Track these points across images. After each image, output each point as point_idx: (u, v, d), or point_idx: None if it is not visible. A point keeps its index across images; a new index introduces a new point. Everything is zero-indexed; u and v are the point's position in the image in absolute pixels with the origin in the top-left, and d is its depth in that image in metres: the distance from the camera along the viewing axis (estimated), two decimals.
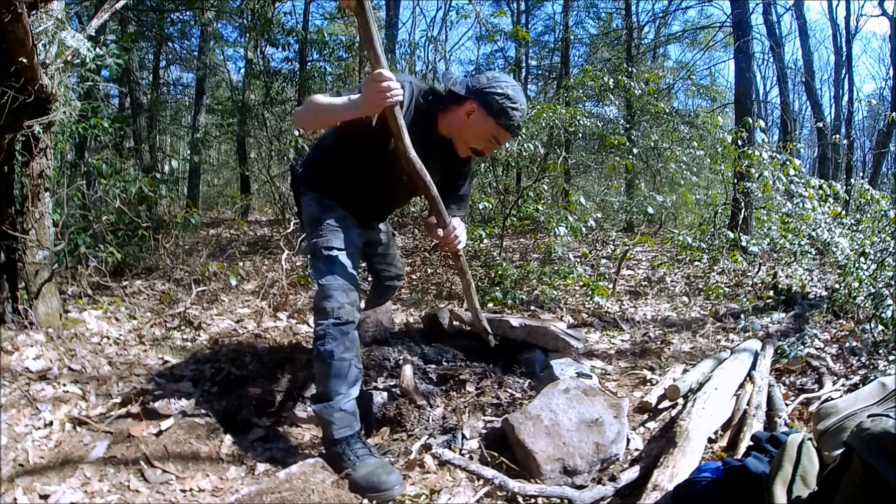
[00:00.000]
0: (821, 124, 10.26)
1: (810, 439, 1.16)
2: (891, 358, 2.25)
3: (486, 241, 4.55)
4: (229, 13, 8.01)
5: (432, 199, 1.71)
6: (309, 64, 7.88)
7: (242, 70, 9.62)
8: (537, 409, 1.68)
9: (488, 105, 1.66)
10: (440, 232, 1.77)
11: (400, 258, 2.39)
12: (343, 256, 1.73)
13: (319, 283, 1.68)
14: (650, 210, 4.88)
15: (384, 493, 1.45)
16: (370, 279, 2.41)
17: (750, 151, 4.43)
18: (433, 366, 2.14)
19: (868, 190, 4.51)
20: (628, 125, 6.22)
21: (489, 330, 2.15)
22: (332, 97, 1.65)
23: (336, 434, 1.58)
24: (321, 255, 1.72)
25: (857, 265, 3.25)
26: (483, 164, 4.90)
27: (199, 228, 4.78)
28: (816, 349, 2.50)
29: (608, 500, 1.44)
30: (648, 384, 2.24)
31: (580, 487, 1.49)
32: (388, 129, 1.58)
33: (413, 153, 1.60)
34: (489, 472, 1.47)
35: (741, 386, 2.00)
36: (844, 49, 12.74)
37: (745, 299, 3.58)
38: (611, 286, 3.89)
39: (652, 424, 1.87)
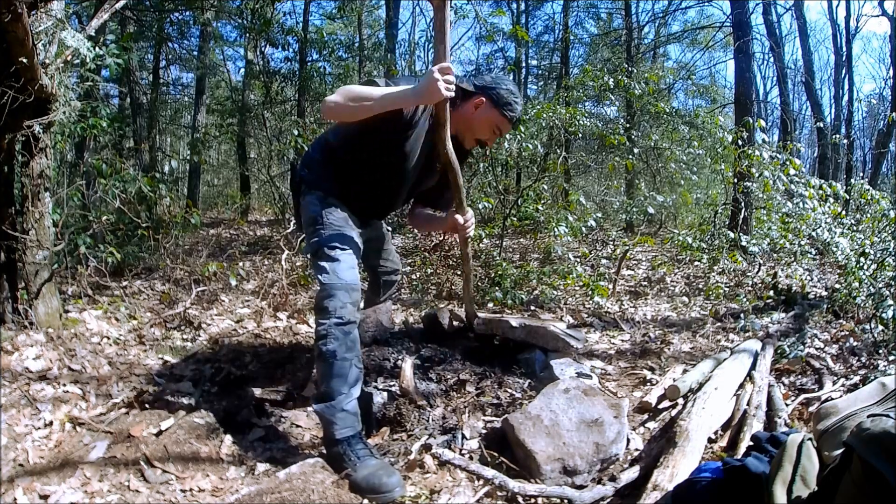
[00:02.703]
0: (821, 124, 10.26)
1: (810, 439, 1.16)
2: (891, 358, 2.24)
3: (486, 241, 4.56)
4: (229, 13, 8.00)
5: (459, 186, 1.86)
6: (308, 64, 7.89)
7: (242, 70, 9.63)
8: (537, 409, 1.68)
9: (496, 97, 1.83)
10: (459, 218, 1.92)
11: (396, 254, 2.40)
12: (345, 256, 1.73)
13: (322, 283, 1.68)
14: (650, 210, 4.88)
15: (384, 495, 1.45)
16: (367, 278, 2.41)
17: (750, 151, 4.43)
18: (433, 366, 2.14)
19: (868, 190, 4.51)
20: (628, 125, 6.22)
21: (476, 315, 2.29)
22: (375, 88, 1.67)
23: (337, 434, 1.58)
24: (323, 254, 1.73)
25: (857, 265, 3.25)
26: (483, 164, 4.90)
27: (198, 228, 4.78)
28: (816, 349, 2.50)
29: (608, 500, 1.44)
30: (648, 384, 2.23)
31: (580, 487, 1.49)
32: (407, 124, 1.75)
33: (450, 143, 1.74)
34: (489, 472, 1.46)
35: (741, 386, 2.00)
36: (844, 49, 12.76)
37: (745, 299, 3.58)
38: (611, 286, 3.89)
39: (652, 424, 1.87)
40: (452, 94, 1.60)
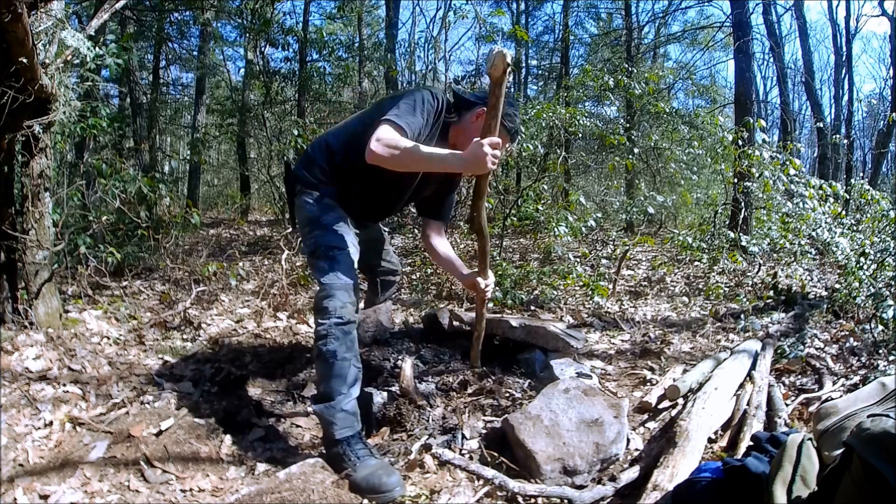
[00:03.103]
0: (821, 124, 10.27)
1: (810, 439, 1.16)
2: (891, 358, 2.24)
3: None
4: (229, 13, 8.00)
5: (485, 252, 1.88)
6: (308, 64, 7.89)
7: (242, 70, 9.64)
8: (537, 409, 1.68)
9: None
10: (481, 282, 1.91)
11: (395, 254, 2.40)
12: (344, 255, 1.73)
13: (321, 282, 1.68)
14: (650, 210, 4.88)
15: (384, 495, 1.45)
16: (367, 279, 2.41)
17: (750, 151, 4.43)
18: (433, 366, 2.14)
19: (868, 190, 4.51)
20: (628, 125, 6.22)
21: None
22: (426, 148, 1.62)
23: (337, 434, 1.58)
24: (322, 254, 1.72)
25: (857, 265, 3.25)
26: None
27: (198, 228, 4.77)
28: (816, 349, 2.50)
29: (608, 500, 1.44)
30: (648, 384, 2.23)
31: (580, 487, 1.49)
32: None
33: (484, 212, 1.75)
34: (489, 472, 1.46)
35: (741, 386, 2.00)
36: (844, 49, 12.76)
37: (745, 299, 3.58)
38: (611, 286, 3.89)
39: (652, 424, 1.87)
40: (496, 166, 1.59)
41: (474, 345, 2.08)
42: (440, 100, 1.81)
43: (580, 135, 4.95)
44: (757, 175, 4.52)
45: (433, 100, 1.78)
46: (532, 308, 3.36)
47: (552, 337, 2.20)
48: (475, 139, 1.53)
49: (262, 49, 7.75)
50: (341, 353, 1.61)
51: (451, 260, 2.05)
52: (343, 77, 8.02)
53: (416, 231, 5.22)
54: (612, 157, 5.83)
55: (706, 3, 11.56)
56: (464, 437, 1.76)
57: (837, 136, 9.94)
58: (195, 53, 9.42)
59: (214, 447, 1.72)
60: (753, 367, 2.14)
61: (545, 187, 4.69)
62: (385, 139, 1.59)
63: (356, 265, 1.80)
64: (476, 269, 1.95)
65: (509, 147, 2.04)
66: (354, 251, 1.80)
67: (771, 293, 3.54)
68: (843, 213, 4.56)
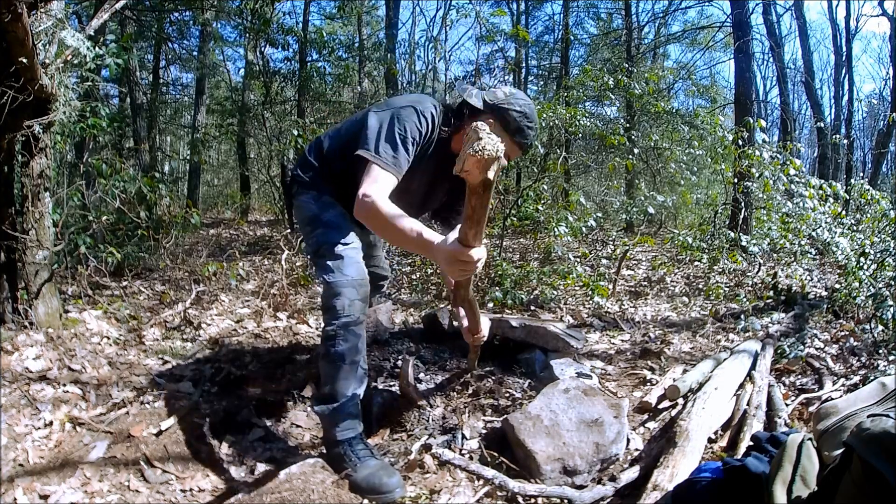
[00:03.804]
0: (821, 124, 10.28)
1: (810, 439, 1.16)
2: (891, 358, 2.24)
3: (486, 241, 4.55)
4: (228, 13, 8.00)
5: (474, 313, 1.81)
6: (308, 64, 7.89)
7: (242, 70, 9.64)
8: (537, 409, 1.68)
9: (506, 122, 1.67)
10: (472, 336, 1.89)
11: (386, 260, 2.36)
12: (349, 251, 1.67)
13: (327, 281, 1.62)
14: (650, 210, 4.88)
15: (385, 495, 1.45)
16: None
17: (750, 151, 4.43)
18: (433, 366, 2.14)
19: (868, 190, 4.51)
20: (628, 125, 6.22)
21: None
22: (410, 226, 1.47)
23: (339, 436, 1.57)
24: (326, 252, 1.67)
25: (857, 265, 3.25)
26: None
27: (198, 228, 4.78)
28: (816, 349, 2.50)
29: (608, 500, 1.44)
30: (648, 384, 2.23)
31: (580, 487, 1.49)
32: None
33: (470, 290, 1.65)
34: (489, 472, 1.46)
35: (741, 386, 2.00)
36: (844, 49, 12.76)
37: (745, 299, 3.58)
38: (611, 286, 3.89)
39: (652, 424, 1.87)
40: (472, 275, 1.47)
41: (471, 362, 2.08)
42: (430, 118, 1.67)
43: (580, 135, 4.96)
44: (757, 175, 4.52)
45: (422, 123, 1.64)
46: (532, 308, 3.36)
47: (552, 337, 2.20)
48: (457, 248, 1.33)
49: (262, 49, 7.76)
50: (350, 357, 1.58)
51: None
52: (343, 77, 8.03)
53: None
54: (612, 157, 5.83)
55: (706, 3, 11.58)
56: (464, 437, 1.76)
57: (837, 136, 9.94)
58: (195, 53, 9.42)
59: (214, 447, 1.72)
60: (753, 367, 2.14)
61: (545, 187, 4.69)
62: (372, 199, 1.49)
63: (362, 260, 1.74)
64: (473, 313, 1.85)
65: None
66: (358, 246, 1.74)
67: (771, 293, 3.54)
68: (843, 213, 4.56)
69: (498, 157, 1.05)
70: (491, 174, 1.05)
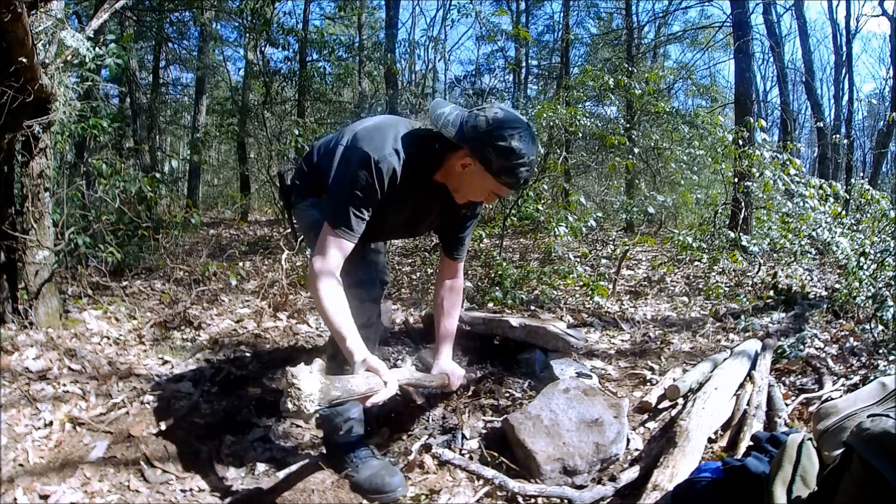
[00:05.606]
0: (821, 124, 10.28)
1: (810, 439, 1.16)
2: (891, 358, 2.24)
3: (486, 240, 4.55)
4: (228, 13, 8.00)
5: (420, 384, 1.67)
6: (308, 64, 7.89)
7: (242, 70, 9.65)
8: (537, 409, 1.68)
9: (486, 161, 1.37)
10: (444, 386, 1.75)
11: (387, 265, 2.34)
12: (354, 253, 1.62)
13: None
14: (650, 210, 4.88)
15: (387, 495, 1.45)
16: None
17: (750, 151, 4.43)
18: (433, 366, 2.13)
19: (868, 190, 4.51)
20: (628, 125, 6.22)
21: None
22: (341, 324, 1.41)
23: (340, 438, 1.57)
24: None
25: (857, 265, 3.24)
26: None
27: (199, 228, 4.77)
28: (816, 349, 2.50)
29: (608, 500, 1.44)
30: (648, 384, 2.23)
31: (580, 487, 1.49)
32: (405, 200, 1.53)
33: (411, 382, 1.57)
34: (489, 472, 1.46)
35: (741, 386, 2.00)
36: (844, 49, 12.75)
37: (745, 299, 3.58)
38: (611, 286, 3.89)
39: (652, 424, 1.87)
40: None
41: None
42: (387, 171, 1.43)
43: (580, 135, 4.95)
44: (757, 175, 4.52)
45: (378, 181, 1.43)
46: (532, 308, 3.36)
47: (552, 337, 2.20)
48: (371, 376, 1.33)
49: (262, 49, 7.76)
50: None
51: (441, 320, 1.79)
52: (343, 77, 8.03)
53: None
54: (613, 157, 5.82)
55: (706, 3, 11.57)
56: (464, 437, 1.76)
57: (837, 135, 9.96)
58: (195, 53, 9.42)
59: (214, 447, 1.72)
60: (753, 367, 2.14)
61: (545, 187, 4.68)
62: (317, 272, 1.41)
63: (368, 262, 1.70)
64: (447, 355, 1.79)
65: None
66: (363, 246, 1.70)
67: (771, 293, 3.54)
68: (843, 212, 4.56)
69: (308, 413, 1.07)
70: (306, 416, 1.09)
